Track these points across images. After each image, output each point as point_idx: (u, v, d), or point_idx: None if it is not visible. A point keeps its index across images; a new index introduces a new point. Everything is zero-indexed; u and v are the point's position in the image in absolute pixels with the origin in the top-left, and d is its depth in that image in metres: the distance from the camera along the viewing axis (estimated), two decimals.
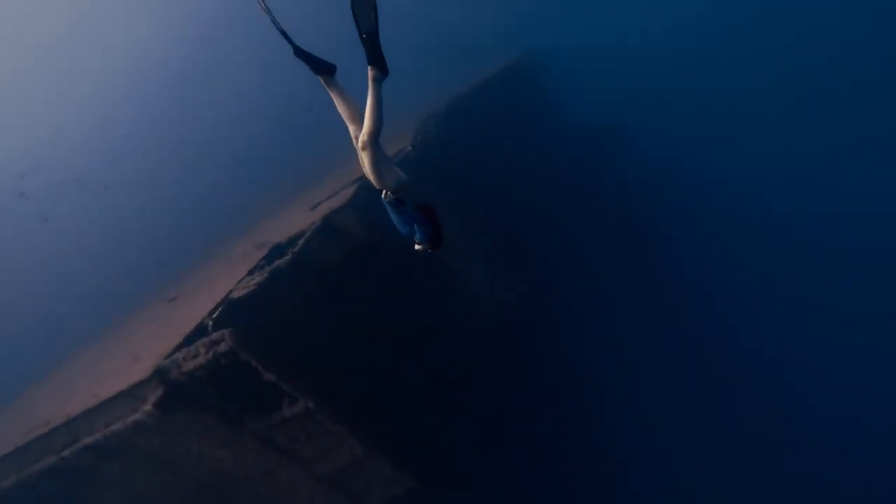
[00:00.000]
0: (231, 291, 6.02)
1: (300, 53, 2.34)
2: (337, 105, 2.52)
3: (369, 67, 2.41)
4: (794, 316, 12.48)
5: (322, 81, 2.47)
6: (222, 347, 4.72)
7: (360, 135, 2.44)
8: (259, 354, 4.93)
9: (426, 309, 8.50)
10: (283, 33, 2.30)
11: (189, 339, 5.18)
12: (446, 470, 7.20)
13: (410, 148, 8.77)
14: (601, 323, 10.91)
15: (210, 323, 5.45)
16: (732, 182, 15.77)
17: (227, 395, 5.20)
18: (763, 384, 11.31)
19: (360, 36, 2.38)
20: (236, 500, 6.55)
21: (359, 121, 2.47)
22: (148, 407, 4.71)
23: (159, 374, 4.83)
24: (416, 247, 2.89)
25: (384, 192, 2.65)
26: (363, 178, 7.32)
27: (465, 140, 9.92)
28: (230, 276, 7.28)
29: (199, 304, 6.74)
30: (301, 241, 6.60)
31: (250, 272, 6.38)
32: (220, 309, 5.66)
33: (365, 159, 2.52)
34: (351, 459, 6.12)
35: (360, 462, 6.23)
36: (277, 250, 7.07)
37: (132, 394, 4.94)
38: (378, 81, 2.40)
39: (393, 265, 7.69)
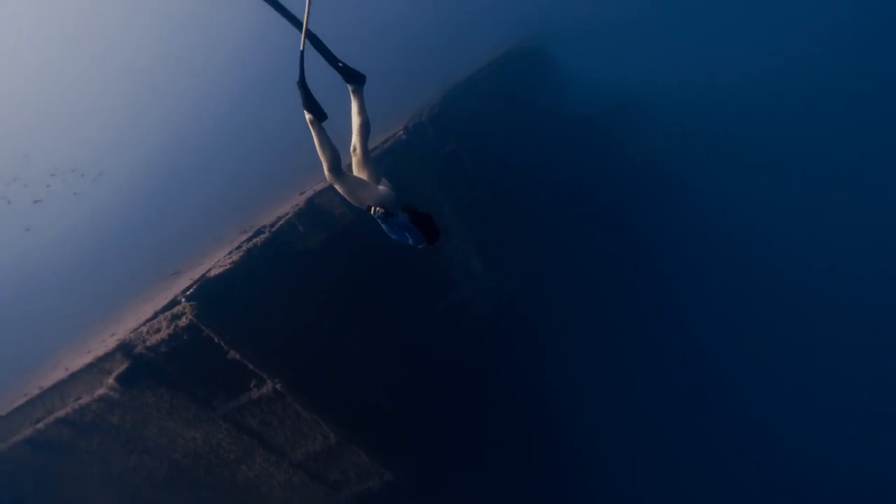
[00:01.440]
0: (209, 270, 5.91)
1: (302, 85, 2.54)
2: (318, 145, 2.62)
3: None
4: (791, 325, 11.83)
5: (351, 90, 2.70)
6: (183, 321, 4.57)
7: (324, 170, 2.62)
8: (223, 331, 4.75)
9: (413, 297, 8.21)
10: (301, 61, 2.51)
11: (158, 315, 5.08)
12: (427, 465, 6.87)
13: (402, 132, 8.55)
14: (598, 323, 10.38)
15: (182, 300, 5.35)
16: (748, 184, 14.89)
17: (193, 372, 5.06)
18: (756, 390, 10.72)
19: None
20: (211, 484, 6.42)
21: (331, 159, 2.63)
22: (110, 380, 4.62)
23: (123, 349, 4.72)
24: (419, 246, 2.95)
25: (372, 208, 2.75)
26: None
27: (463, 125, 9.62)
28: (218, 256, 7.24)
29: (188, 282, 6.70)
30: (281, 221, 6.45)
31: (229, 253, 6.27)
32: (195, 286, 5.55)
33: (339, 189, 2.71)
34: (325, 447, 5.88)
35: (335, 450, 5.99)
36: (260, 233, 6.96)
37: (98, 367, 4.86)
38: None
39: (378, 251, 7.46)
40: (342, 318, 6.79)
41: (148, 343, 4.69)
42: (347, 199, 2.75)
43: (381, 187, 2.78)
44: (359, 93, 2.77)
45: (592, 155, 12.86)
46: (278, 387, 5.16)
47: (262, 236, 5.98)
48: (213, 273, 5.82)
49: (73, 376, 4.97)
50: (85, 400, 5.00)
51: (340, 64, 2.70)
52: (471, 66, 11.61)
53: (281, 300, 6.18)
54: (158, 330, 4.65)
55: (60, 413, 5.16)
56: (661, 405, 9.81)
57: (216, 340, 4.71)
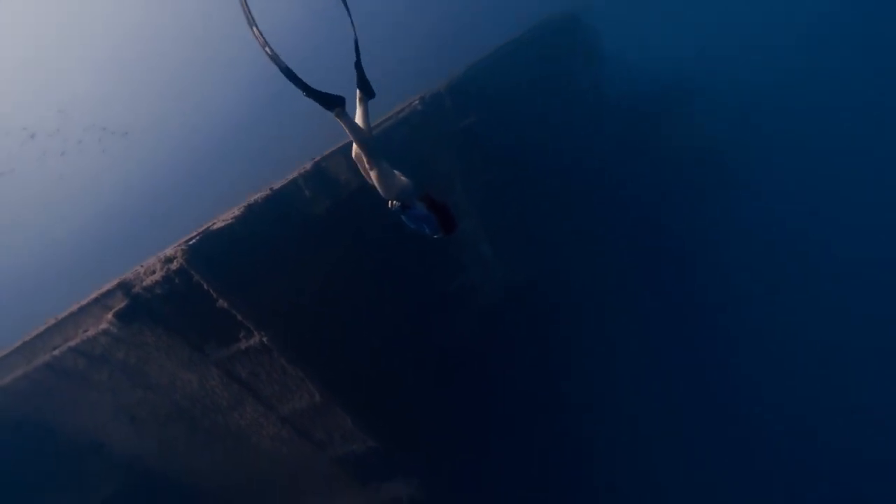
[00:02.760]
0: (213, 223, 6.07)
1: (311, 93, 2.58)
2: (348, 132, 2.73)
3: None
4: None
5: (359, 98, 2.82)
6: (174, 265, 4.70)
7: (361, 151, 2.76)
8: (213, 279, 4.85)
9: (416, 277, 8.06)
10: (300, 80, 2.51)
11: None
12: (413, 439, 6.82)
13: (418, 102, 8.30)
14: (613, 323, 9.79)
15: (192, 252, 5.51)
16: (810, 186, 13.36)
17: (186, 317, 5.22)
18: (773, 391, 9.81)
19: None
20: (207, 428, 6.73)
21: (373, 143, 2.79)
22: (109, 316, 4.87)
23: (123, 287, 4.95)
24: (434, 236, 3.02)
25: (389, 202, 2.88)
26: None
27: (485, 99, 9.20)
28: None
29: None
30: (284, 181, 6.48)
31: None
32: (198, 237, 5.71)
33: (374, 174, 2.79)
34: (310, 405, 5.96)
35: (320, 410, 6.06)
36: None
37: (103, 303, 5.14)
38: (363, 102, 2.79)
39: (384, 225, 7.36)
40: (340, 286, 6.76)
41: (144, 284, 4.87)
42: (379, 183, 2.82)
43: (402, 178, 2.86)
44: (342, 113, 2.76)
45: (630, 141, 12.01)
46: (265, 340, 5.23)
47: (264, 193, 6.03)
48: (216, 226, 5.97)
49: (82, 310, 5.29)
50: (91, 332, 5.32)
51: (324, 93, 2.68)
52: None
53: (279, 260, 6.23)
54: (153, 272, 4.81)
55: (72, 343, 5.53)
56: (657, 404, 9.20)
57: (205, 287, 4.81)
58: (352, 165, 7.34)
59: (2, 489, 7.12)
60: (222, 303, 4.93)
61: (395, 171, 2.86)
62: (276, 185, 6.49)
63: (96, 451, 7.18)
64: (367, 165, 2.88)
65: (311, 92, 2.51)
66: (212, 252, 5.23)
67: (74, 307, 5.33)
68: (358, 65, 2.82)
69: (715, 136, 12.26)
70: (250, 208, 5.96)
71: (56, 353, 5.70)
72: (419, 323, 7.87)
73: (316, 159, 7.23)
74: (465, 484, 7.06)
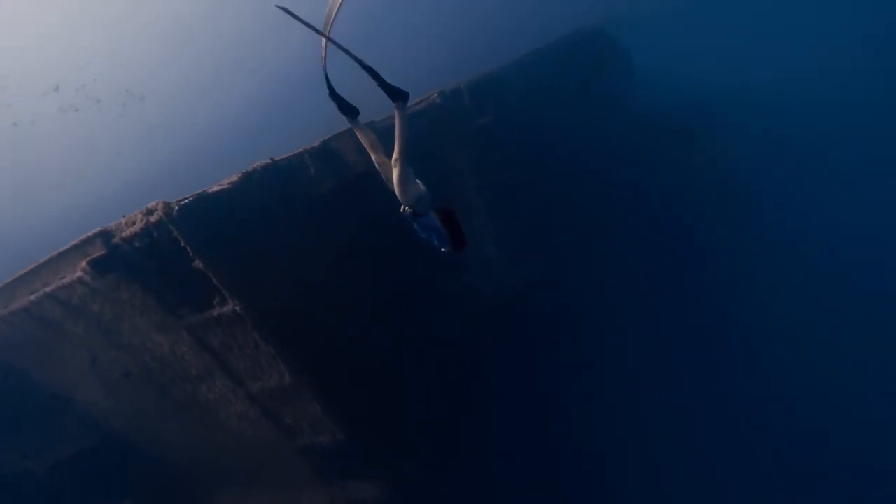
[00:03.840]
0: (210, 186, 5.90)
1: (333, 96, 2.76)
2: (360, 138, 2.97)
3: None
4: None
5: (347, 120, 2.91)
6: (154, 217, 4.49)
7: (394, 154, 2.78)
8: (191, 237, 4.62)
9: (415, 271, 7.73)
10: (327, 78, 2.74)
11: None
12: (385, 439, 6.39)
13: (437, 96, 8.09)
14: (606, 336, 9.25)
15: (175, 206, 5.34)
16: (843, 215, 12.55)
17: (162, 275, 5.00)
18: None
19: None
20: (175, 396, 6.47)
21: (379, 149, 2.94)
22: (83, 264, 4.69)
23: (102, 236, 4.76)
24: (442, 249, 2.98)
25: (403, 207, 2.90)
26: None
27: (507, 99, 8.95)
28: None
29: None
30: (289, 155, 6.29)
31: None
32: (192, 197, 5.53)
33: (394, 175, 2.79)
34: (279, 385, 5.63)
35: (289, 393, 5.72)
36: None
37: (82, 250, 4.96)
38: (400, 109, 2.72)
39: (386, 213, 7.08)
40: (328, 270, 6.47)
41: (124, 234, 4.68)
42: (398, 185, 2.83)
43: (421, 186, 2.88)
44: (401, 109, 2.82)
45: (654, 156, 11.54)
46: (238, 309, 4.96)
47: (265, 163, 5.84)
48: (212, 189, 5.79)
49: (62, 255, 5.14)
50: (67, 279, 5.15)
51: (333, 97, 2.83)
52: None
53: (269, 234, 5.98)
54: (133, 223, 4.61)
55: (49, 289, 5.37)
56: (661, 410, 8.62)
57: (182, 244, 4.59)
58: (360, 147, 7.19)
59: None
60: (198, 263, 4.69)
61: (417, 180, 2.88)
62: (279, 157, 6.31)
63: (62, 403, 7.01)
64: (391, 164, 2.87)
65: (382, 83, 2.62)
66: (197, 212, 5.01)
67: (55, 253, 5.18)
68: (372, 72, 2.74)
69: (742, 159, 11.71)
70: (248, 176, 5.77)
71: (33, 297, 5.55)
72: (408, 319, 7.51)
73: (325, 138, 7.06)
74: (434, 493, 6.57)
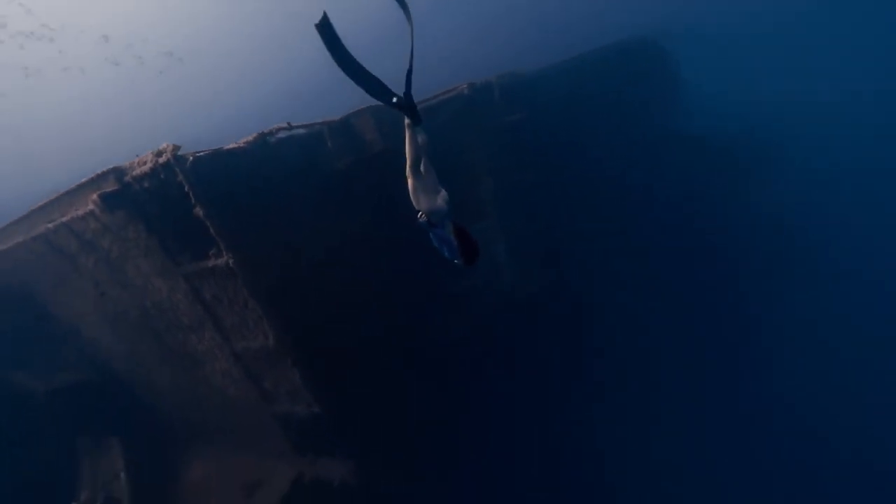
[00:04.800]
0: (226, 145, 5.97)
1: (407, 101, 2.90)
2: (407, 142, 2.99)
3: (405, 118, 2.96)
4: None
5: (406, 124, 2.96)
6: (163, 159, 4.54)
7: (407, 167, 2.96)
8: (195, 183, 4.65)
9: (420, 266, 7.55)
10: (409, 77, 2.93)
11: None
12: (359, 421, 6.22)
13: (466, 87, 7.92)
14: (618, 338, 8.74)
15: (190, 158, 5.42)
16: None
17: (166, 218, 5.07)
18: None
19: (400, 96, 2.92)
20: (168, 343, 6.57)
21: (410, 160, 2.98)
22: (94, 196, 4.81)
23: (115, 173, 4.88)
24: (454, 261, 3.04)
25: (419, 214, 3.01)
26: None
27: (540, 100, 8.66)
28: None
29: None
30: (310, 125, 6.30)
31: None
32: (208, 151, 5.61)
33: (409, 184, 2.98)
34: (262, 346, 5.58)
35: (271, 357, 5.66)
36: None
37: (96, 185, 5.12)
38: (410, 128, 2.96)
39: (399, 204, 6.96)
40: (330, 242, 6.41)
41: (134, 173, 4.77)
42: (411, 195, 3.00)
43: (438, 199, 2.99)
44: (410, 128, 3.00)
45: (694, 181, 10.89)
46: (231, 262, 4.94)
47: (281, 125, 5.85)
48: (229, 146, 5.86)
49: (79, 188, 5.31)
50: (81, 212, 5.33)
51: (395, 99, 2.92)
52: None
53: (276, 197, 5.98)
54: (144, 163, 4.69)
55: (65, 218, 5.58)
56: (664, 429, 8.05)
57: (186, 189, 4.62)
58: (379, 127, 7.12)
59: None
60: (199, 211, 4.71)
61: (440, 192, 3.02)
62: (297, 124, 6.32)
63: (67, 330, 7.27)
64: (411, 170, 2.99)
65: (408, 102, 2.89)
66: (208, 163, 5.06)
67: (73, 186, 5.36)
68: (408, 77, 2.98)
69: (793, 191, 10.83)
70: (263, 138, 5.80)
71: (51, 226, 5.78)
72: (403, 309, 7.33)
73: (346, 114, 7.05)
74: (402, 479, 6.33)
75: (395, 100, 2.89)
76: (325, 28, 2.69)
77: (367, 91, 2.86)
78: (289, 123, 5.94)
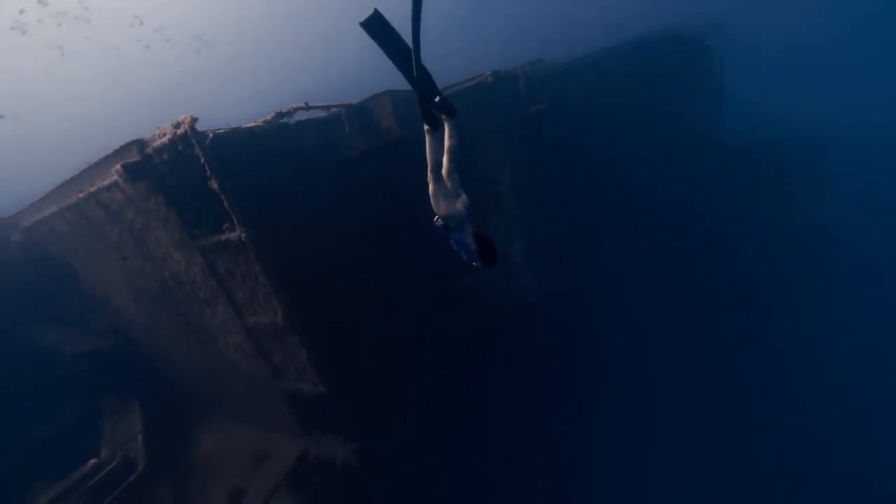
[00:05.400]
0: (246, 125, 6.03)
1: (444, 103, 2.91)
2: (427, 147, 3.00)
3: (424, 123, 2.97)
4: None
5: (426, 129, 2.98)
6: (181, 130, 4.61)
7: (427, 172, 2.98)
8: (211, 156, 4.69)
9: (428, 259, 7.44)
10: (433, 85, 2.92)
11: None
12: (363, 404, 6.21)
13: (490, 75, 7.70)
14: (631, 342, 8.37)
15: (210, 134, 5.50)
16: None
17: (183, 189, 5.16)
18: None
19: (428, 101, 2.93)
20: (185, 315, 6.75)
21: (430, 165, 3.00)
22: (118, 166, 4.94)
23: (137, 144, 5.01)
24: (472, 263, 3.05)
25: (436, 218, 3.04)
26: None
27: (565, 92, 8.32)
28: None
29: None
30: (330, 106, 6.27)
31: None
32: (223, 130, 5.68)
33: (429, 188, 2.98)
34: (272, 322, 5.63)
35: (280, 333, 5.71)
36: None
37: (120, 156, 5.28)
38: (429, 133, 2.97)
39: (411, 195, 6.84)
40: (340, 225, 6.40)
41: (155, 145, 4.87)
42: (431, 199, 3.01)
43: (458, 204, 2.99)
44: (451, 122, 2.99)
45: (731, 190, 10.28)
46: (243, 236, 4.99)
47: (298, 105, 5.84)
48: (247, 125, 5.91)
49: (106, 160, 5.48)
50: (106, 182, 5.51)
51: (438, 98, 2.93)
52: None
53: (289, 175, 6.01)
54: (164, 134, 4.78)
55: (93, 188, 5.79)
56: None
57: (202, 161, 4.67)
58: (396, 114, 7.03)
59: (15, 310, 7.83)
60: (213, 183, 4.76)
61: (460, 196, 3.02)
62: (314, 104, 6.31)
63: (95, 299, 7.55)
64: (431, 175, 2.99)
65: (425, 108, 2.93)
66: (225, 138, 5.11)
67: (101, 158, 5.54)
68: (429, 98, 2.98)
69: (839, 207, 10.03)
70: (281, 116, 5.82)
71: (81, 195, 6.01)
72: (411, 299, 7.27)
73: (364, 98, 6.99)
74: (401, 465, 6.29)
75: (437, 98, 2.91)
76: (377, 21, 2.72)
77: (414, 86, 2.89)
78: (306, 103, 5.93)
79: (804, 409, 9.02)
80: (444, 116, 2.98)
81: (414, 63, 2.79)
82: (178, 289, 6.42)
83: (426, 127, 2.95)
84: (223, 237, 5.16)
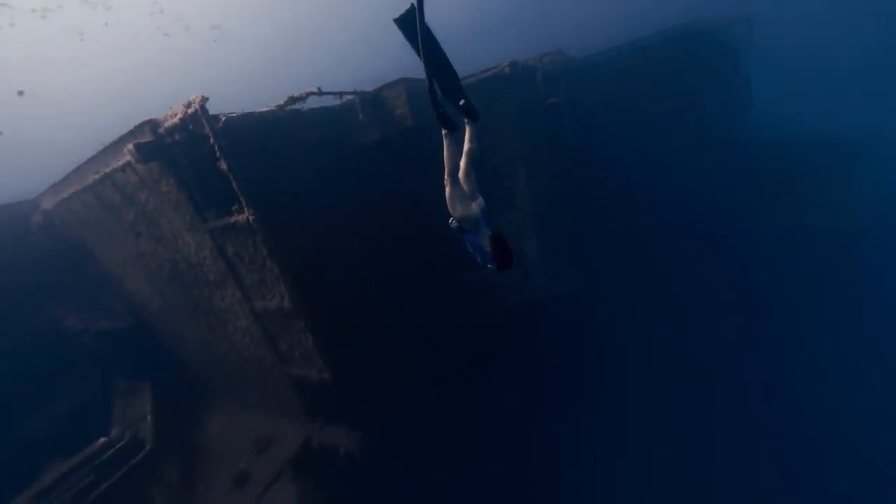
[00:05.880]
0: (259, 110, 5.98)
1: (467, 107, 2.96)
2: (445, 149, 2.97)
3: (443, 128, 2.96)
4: None
5: (444, 133, 2.94)
6: (191, 110, 4.57)
7: (445, 175, 2.97)
8: (222, 135, 4.64)
9: (437, 252, 7.30)
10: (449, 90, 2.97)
11: None
12: (367, 392, 6.13)
13: (508, 66, 7.49)
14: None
15: (222, 118, 5.46)
16: None
17: (195, 172, 5.15)
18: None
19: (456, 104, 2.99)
20: (196, 298, 6.77)
21: (448, 168, 2.98)
22: (130, 146, 4.94)
23: (150, 125, 4.99)
24: (487, 266, 3.02)
25: (451, 220, 3.03)
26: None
27: (586, 84, 8.04)
28: None
29: None
30: (345, 93, 6.19)
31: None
32: (237, 113, 5.64)
33: (446, 191, 2.98)
34: (279, 307, 5.59)
35: (287, 318, 5.67)
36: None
37: (133, 136, 5.28)
38: (447, 137, 2.94)
39: (424, 185, 6.68)
40: (349, 211, 6.32)
41: (166, 125, 4.85)
42: (447, 201, 3.00)
43: (473, 206, 2.98)
44: (473, 126, 3.00)
45: (752, 189, 9.84)
46: (251, 219, 4.94)
47: (310, 90, 5.76)
48: (260, 110, 5.87)
49: (121, 140, 5.51)
50: (120, 163, 5.53)
51: (463, 102, 2.95)
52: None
53: (300, 160, 5.96)
54: (175, 114, 4.75)
55: (108, 169, 5.83)
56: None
57: (212, 141, 4.63)
58: (410, 101, 6.89)
59: (36, 293, 8.01)
60: (223, 164, 4.71)
61: (476, 199, 3.00)
62: (327, 90, 6.22)
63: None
64: (449, 178, 2.97)
65: (440, 113, 2.91)
66: (236, 120, 5.07)
67: (116, 139, 5.56)
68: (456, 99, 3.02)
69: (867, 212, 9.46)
70: (293, 101, 5.75)
71: (97, 176, 6.06)
72: (418, 293, 7.16)
73: (378, 87, 6.88)
74: (404, 455, 6.20)
75: (462, 102, 2.93)
76: (412, 19, 2.74)
77: (441, 84, 2.91)
78: (319, 88, 5.85)
79: (806, 410, 8.64)
80: (466, 120, 2.97)
81: (423, 57, 2.77)
82: (188, 272, 6.43)
83: (444, 131, 2.93)
84: (232, 219, 5.12)
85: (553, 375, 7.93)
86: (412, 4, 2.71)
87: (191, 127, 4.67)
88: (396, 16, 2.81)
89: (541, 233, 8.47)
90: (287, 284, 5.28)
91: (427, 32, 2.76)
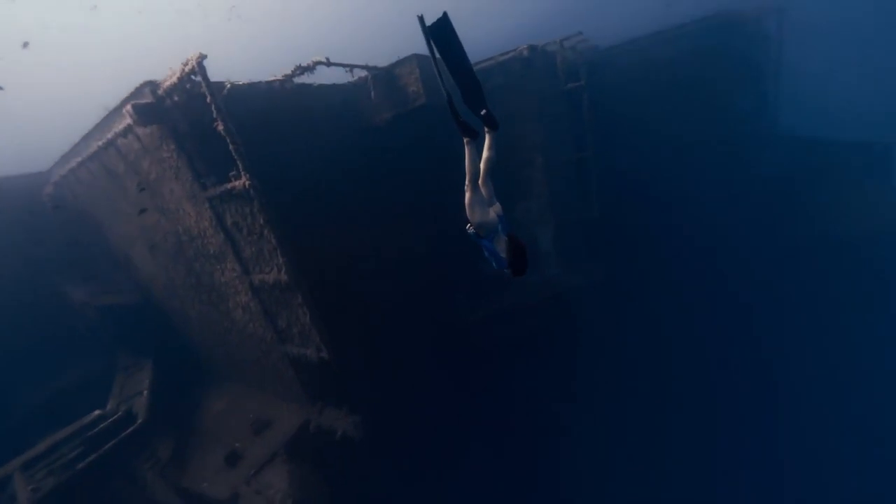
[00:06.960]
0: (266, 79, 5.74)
1: (488, 117, 2.99)
2: (467, 156, 3.01)
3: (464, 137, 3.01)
4: None
5: (465, 141, 3.00)
6: (188, 67, 4.34)
7: (466, 180, 3.00)
8: (219, 94, 4.40)
9: (446, 239, 6.94)
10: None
11: None
12: (366, 375, 5.82)
13: (526, 49, 7.09)
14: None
15: (228, 84, 5.24)
16: None
17: (194, 136, 4.92)
18: None
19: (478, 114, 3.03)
20: (198, 272, 6.57)
21: (468, 174, 3.01)
22: (128, 107, 4.75)
23: (150, 85, 4.79)
24: (504, 270, 3.01)
25: (468, 225, 3.06)
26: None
27: (606, 71, 7.59)
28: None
29: None
30: (347, 65, 5.90)
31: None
32: (242, 82, 5.40)
33: (465, 197, 3.00)
34: (276, 281, 5.32)
35: (284, 292, 5.40)
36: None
37: (134, 99, 5.09)
38: (469, 144, 2.99)
39: (437, 171, 6.32)
40: (352, 191, 6.04)
41: (165, 85, 4.64)
42: (466, 207, 3.01)
43: (491, 212, 3.01)
44: (492, 134, 3.03)
45: (780, 187, 9.20)
46: (247, 184, 4.68)
47: (319, 59, 5.48)
48: (267, 80, 5.63)
49: (123, 102, 5.32)
50: (122, 126, 5.36)
51: (484, 112, 2.99)
52: None
53: (307, 137, 5.70)
54: (174, 74, 4.53)
55: (110, 135, 5.67)
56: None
57: (208, 100, 4.38)
58: (423, 79, 6.56)
59: (48, 264, 7.97)
60: (220, 126, 4.46)
61: (494, 204, 3.05)
62: (335, 62, 5.94)
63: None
64: (469, 185, 2.98)
65: (459, 122, 2.99)
66: (241, 87, 4.83)
67: (119, 102, 5.39)
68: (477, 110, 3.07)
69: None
70: (300, 70, 5.49)
71: (101, 143, 5.92)
72: (424, 274, 6.81)
73: (391, 64, 6.57)
74: (401, 441, 5.87)
75: (483, 112, 2.96)
76: (443, 26, 2.78)
77: (463, 91, 2.98)
78: (327, 58, 5.58)
79: (809, 411, 8.05)
80: (486, 128, 3.02)
81: (449, 67, 2.86)
82: (190, 244, 6.25)
83: (465, 139, 2.98)
84: (230, 185, 4.88)
85: (550, 368, 7.50)
86: (444, 13, 2.75)
87: (188, 86, 4.45)
88: (421, 14, 2.80)
89: (560, 226, 8.04)
90: (285, 256, 5.02)
91: (459, 48, 2.84)
